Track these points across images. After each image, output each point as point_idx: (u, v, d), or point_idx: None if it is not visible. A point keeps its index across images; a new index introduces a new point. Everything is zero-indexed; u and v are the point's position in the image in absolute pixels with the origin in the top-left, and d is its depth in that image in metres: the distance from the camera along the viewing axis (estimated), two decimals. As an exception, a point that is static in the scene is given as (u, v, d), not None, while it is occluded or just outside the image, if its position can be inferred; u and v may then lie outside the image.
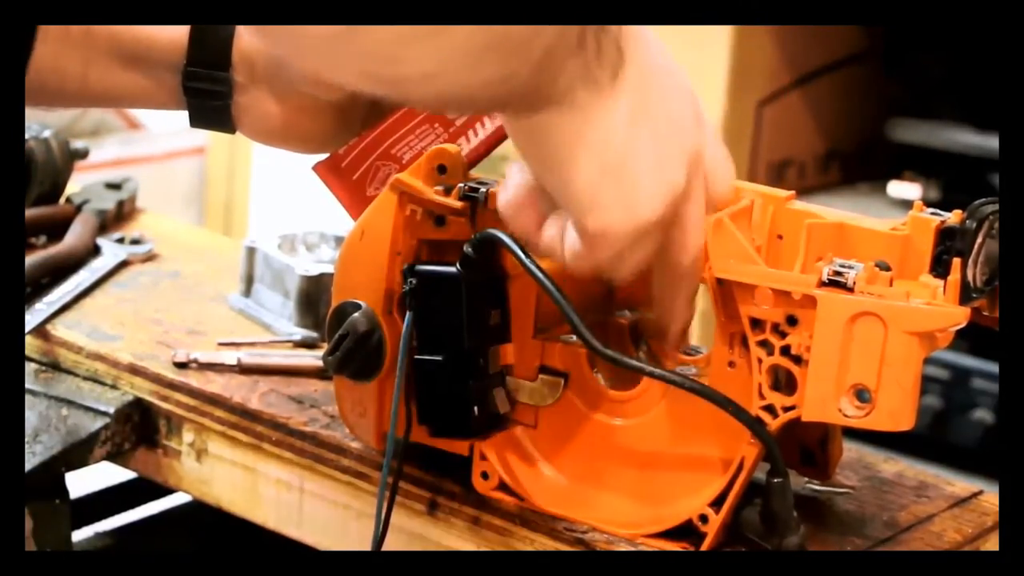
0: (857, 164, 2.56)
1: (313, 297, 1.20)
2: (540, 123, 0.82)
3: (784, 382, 0.88)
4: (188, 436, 1.11)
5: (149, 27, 1.01)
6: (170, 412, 1.11)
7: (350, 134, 1.02)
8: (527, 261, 0.90)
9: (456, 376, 0.94)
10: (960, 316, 0.85)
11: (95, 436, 1.10)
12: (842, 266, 0.85)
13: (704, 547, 0.91)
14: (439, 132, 0.99)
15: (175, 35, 1.01)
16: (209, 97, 1.01)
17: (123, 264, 1.32)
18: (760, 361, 0.88)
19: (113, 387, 1.13)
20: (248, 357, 1.13)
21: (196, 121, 1.03)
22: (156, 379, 1.12)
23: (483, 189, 0.93)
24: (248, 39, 1.00)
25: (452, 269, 0.93)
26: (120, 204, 1.40)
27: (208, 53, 1.00)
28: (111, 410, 1.11)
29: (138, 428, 1.12)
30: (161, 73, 1.02)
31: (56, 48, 0.98)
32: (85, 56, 1.01)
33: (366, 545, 0.97)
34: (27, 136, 1.35)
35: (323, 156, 1.03)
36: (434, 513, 0.99)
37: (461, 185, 0.94)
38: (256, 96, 1.01)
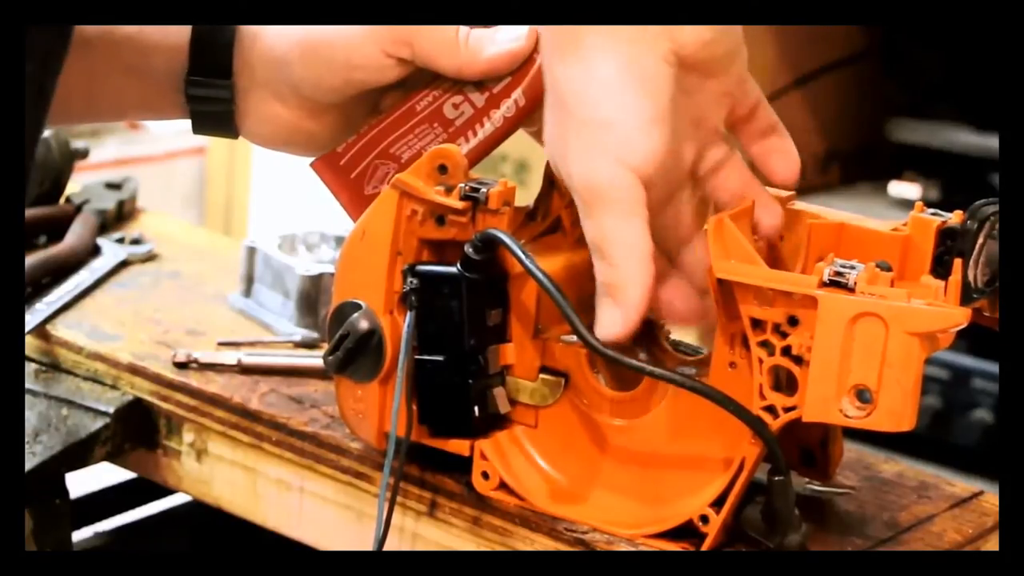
0: (857, 164, 2.55)
1: (313, 297, 1.20)
2: None
3: (785, 382, 0.88)
4: (188, 436, 1.11)
5: (150, 37, 1.01)
6: (170, 412, 1.11)
7: (353, 136, 1.02)
8: (527, 261, 0.90)
9: (457, 376, 0.94)
10: (961, 317, 0.85)
11: (95, 436, 1.10)
12: (843, 267, 0.85)
13: (705, 547, 0.91)
14: (438, 132, 0.99)
15: (175, 43, 1.01)
16: (211, 104, 1.01)
17: (123, 264, 1.32)
18: (761, 361, 0.88)
19: (113, 387, 1.13)
20: (248, 357, 1.13)
21: (199, 128, 1.03)
22: (156, 379, 1.12)
23: (484, 189, 0.93)
24: (248, 42, 1.00)
25: (453, 269, 0.93)
26: (120, 204, 1.40)
27: (209, 60, 1.00)
28: (111, 410, 1.11)
29: (138, 428, 1.12)
30: (163, 82, 1.02)
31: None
32: (88, 72, 1.01)
33: (366, 545, 0.97)
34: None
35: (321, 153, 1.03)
36: (434, 513, 0.99)
37: (462, 185, 0.94)
38: (258, 100, 1.01)
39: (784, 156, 0.95)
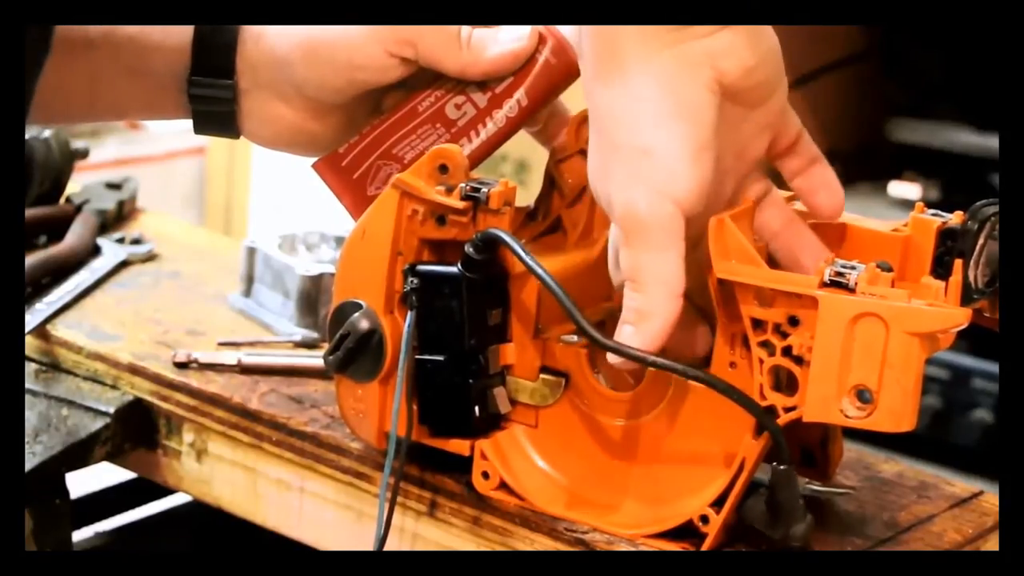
0: (857, 164, 2.55)
1: (313, 297, 1.20)
2: None
3: (785, 383, 0.88)
4: (188, 436, 1.11)
5: (152, 37, 1.01)
6: (170, 412, 1.11)
7: (355, 136, 1.02)
8: (528, 260, 0.90)
9: (457, 376, 0.94)
10: (961, 317, 0.85)
11: (95, 436, 1.10)
12: (844, 267, 0.85)
13: (705, 547, 0.91)
14: (441, 132, 0.99)
15: (177, 44, 1.01)
16: (213, 104, 1.01)
17: (123, 264, 1.32)
18: (761, 362, 0.88)
19: (113, 387, 1.13)
20: (248, 357, 1.13)
21: (200, 128, 1.04)
22: (156, 379, 1.12)
23: (484, 189, 0.93)
24: (250, 43, 1.00)
25: (453, 269, 0.93)
26: (120, 204, 1.40)
27: (211, 60, 1.00)
28: (111, 410, 1.11)
29: (138, 428, 1.12)
30: (165, 82, 1.02)
31: (61, 70, 0.98)
32: (90, 73, 1.02)
33: (366, 545, 0.97)
34: (27, 136, 1.35)
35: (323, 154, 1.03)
36: (434, 513, 0.99)
37: (462, 185, 0.94)
38: (260, 101, 1.01)
39: (829, 189, 0.94)
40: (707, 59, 0.85)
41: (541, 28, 0.98)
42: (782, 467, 0.89)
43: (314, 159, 1.03)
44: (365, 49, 0.97)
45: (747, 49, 0.87)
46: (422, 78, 1.00)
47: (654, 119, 0.85)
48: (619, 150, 0.86)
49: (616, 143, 0.86)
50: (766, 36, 0.89)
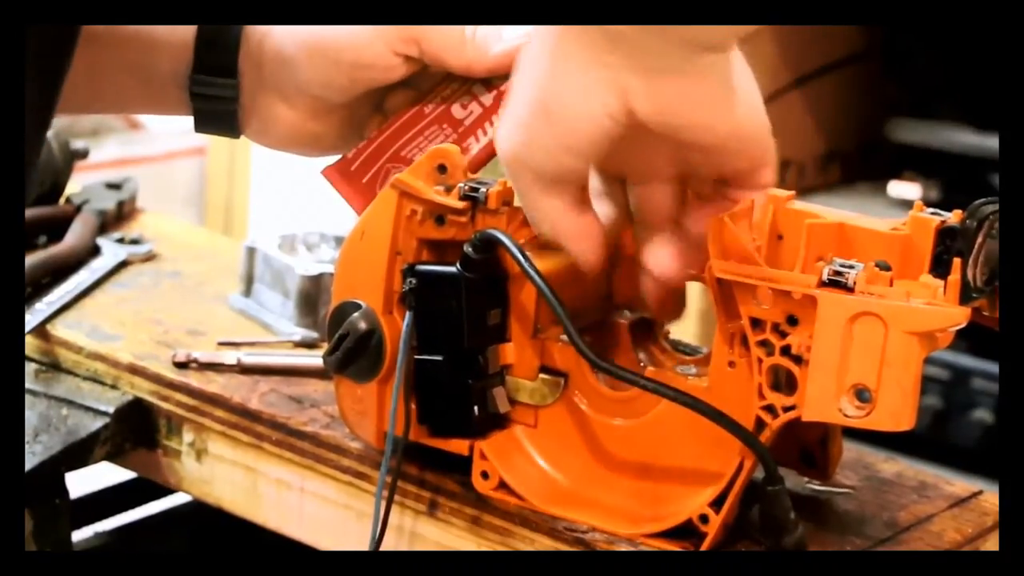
0: (857, 164, 2.56)
1: (313, 297, 1.20)
2: None
3: (784, 382, 0.88)
4: (188, 436, 1.11)
5: (155, 34, 1.01)
6: (170, 412, 1.11)
7: (357, 136, 1.02)
8: (525, 263, 0.90)
9: (456, 375, 0.94)
10: (960, 316, 0.85)
11: (95, 436, 1.10)
12: (842, 266, 0.85)
13: (704, 547, 0.91)
14: (448, 133, 0.99)
15: (181, 41, 1.01)
16: (215, 103, 1.01)
17: (123, 264, 1.32)
18: (760, 361, 0.88)
19: (113, 387, 1.13)
20: (248, 357, 1.13)
21: (201, 126, 1.04)
22: (156, 379, 1.12)
23: (483, 189, 0.93)
24: (254, 42, 1.00)
25: (452, 269, 0.93)
26: (120, 204, 1.40)
27: (214, 59, 1.00)
28: (111, 410, 1.11)
29: (138, 428, 1.12)
30: (167, 79, 1.02)
31: None
32: (91, 66, 1.02)
33: (366, 545, 0.97)
34: (27, 136, 1.35)
35: (332, 160, 1.03)
36: (434, 513, 0.99)
37: (461, 185, 0.94)
38: (263, 100, 1.01)
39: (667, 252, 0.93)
40: (619, 89, 0.84)
41: None
42: (770, 488, 0.89)
43: (323, 163, 1.03)
44: (370, 48, 0.97)
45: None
46: (426, 77, 1.00)
47: (531, 71, 0.85)
48: (513, 96, 0.87)
49: (515, 89, 0.87)
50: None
